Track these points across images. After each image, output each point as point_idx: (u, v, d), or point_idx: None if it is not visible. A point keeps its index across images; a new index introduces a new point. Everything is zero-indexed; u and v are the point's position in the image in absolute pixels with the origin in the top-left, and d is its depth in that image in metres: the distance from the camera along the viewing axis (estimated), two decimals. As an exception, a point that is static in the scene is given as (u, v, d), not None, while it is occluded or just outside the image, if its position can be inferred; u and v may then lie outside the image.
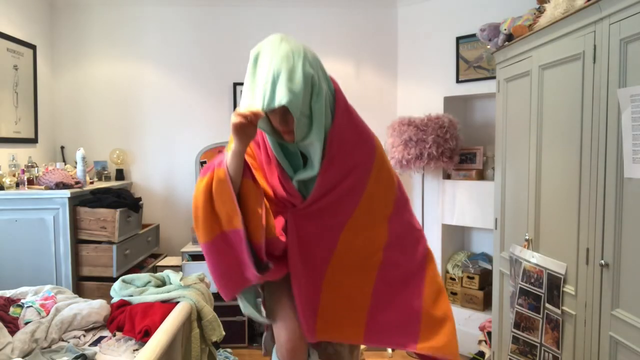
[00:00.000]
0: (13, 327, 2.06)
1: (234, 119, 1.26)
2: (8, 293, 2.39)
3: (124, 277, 2.54)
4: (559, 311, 1.93)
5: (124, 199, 3.01)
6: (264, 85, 1.25)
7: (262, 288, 1.61)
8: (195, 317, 2.29)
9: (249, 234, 1.35)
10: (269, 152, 1.45)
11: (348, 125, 1.44)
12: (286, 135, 1.35)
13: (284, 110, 1.29)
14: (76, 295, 2.51)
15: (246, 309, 1.52)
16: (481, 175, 3.39)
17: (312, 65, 1.31)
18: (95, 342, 2.14)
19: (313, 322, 1.44)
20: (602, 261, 1.67)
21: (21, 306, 2.20)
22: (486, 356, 2.91)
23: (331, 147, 1.39)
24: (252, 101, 1.28)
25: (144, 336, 2.05)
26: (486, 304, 3.34)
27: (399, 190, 1.58)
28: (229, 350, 3.15)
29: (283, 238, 1.41)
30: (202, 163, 3.75)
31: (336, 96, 1.42)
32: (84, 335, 2.17)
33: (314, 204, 1.45)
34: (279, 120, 1.32)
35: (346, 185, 1.44)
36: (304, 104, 1.28)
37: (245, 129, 1.27)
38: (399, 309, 1.51)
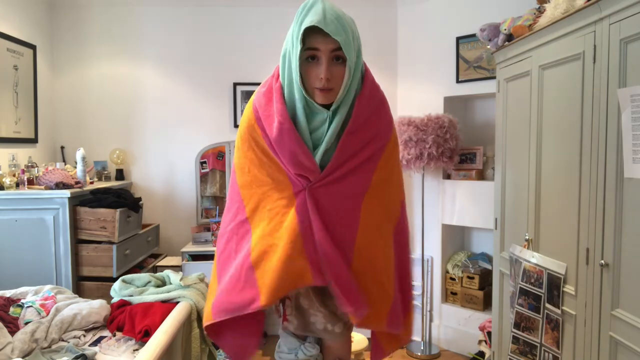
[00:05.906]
0: (13, 327, 2.06)
1: None
2: (8, 293, 2.39)
3: (124, 277, 2.54)
4: (559, 311, 1.93)
5: (124, 199, 3.01)
6: (319, 20, 1.16)
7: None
8: (195, 317, 2.29)
9: None
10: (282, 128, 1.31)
11: (374, 91, 1.37)
12: (323, 92, 1.23)
13: (333, 53, 1.20)
14: (76, 295, 2.51)
15: None
16: (481, 175, 3.39)
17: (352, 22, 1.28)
18: (95, 342, 2.14)
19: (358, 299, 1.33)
20: (602, 261, 1.67)
21: (21, 306, 2.20)
22: (486, 356, 2.91)
23: (359, 112, 1.30)
24: (298, 44, 1.18)
25: (144, 336, 2.06)
26: (486, 304, 3.34)
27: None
28: (229, 350, 3.15)
29: None
30: (202, 163, 3.76)
31: (363, 63, 1.35)
32: (84, 335, 2.17)
33: (331, 175, 1.34)
34: (323, 66, 1.20)
35: (365, 154, 1.36)
36: (353, 52, 1.22)
37: None
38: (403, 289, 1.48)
